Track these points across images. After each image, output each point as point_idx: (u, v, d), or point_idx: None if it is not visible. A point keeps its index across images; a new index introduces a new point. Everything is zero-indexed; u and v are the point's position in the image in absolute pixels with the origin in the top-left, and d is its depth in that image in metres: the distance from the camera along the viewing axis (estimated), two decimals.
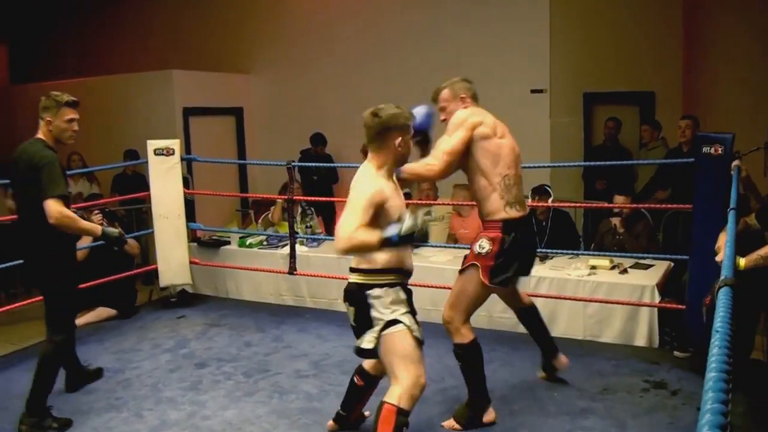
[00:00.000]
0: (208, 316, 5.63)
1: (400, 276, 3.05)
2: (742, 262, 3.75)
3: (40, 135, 3.86)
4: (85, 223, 3.88)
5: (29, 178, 3.69)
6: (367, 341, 3.02)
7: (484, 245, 3.48)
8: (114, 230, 3.97)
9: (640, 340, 4.83)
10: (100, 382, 4.38)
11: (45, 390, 3.78)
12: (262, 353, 4.84)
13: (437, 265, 5.58)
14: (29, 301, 5.66)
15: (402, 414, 2.92)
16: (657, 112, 7.61)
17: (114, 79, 9.37)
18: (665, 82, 7.63)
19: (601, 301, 4.90)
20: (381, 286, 2.98)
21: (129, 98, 9.11)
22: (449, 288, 5.17)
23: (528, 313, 4.04)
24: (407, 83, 8.52)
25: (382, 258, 2.96)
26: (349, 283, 3.11)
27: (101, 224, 5.82)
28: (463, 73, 8.13)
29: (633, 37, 7.67)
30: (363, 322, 3.03)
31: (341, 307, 5.78)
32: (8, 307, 5.70)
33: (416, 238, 2.79)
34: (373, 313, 2.99)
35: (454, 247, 5.84)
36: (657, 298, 4.81)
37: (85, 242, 5.88)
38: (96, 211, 5.94)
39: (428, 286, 5.25)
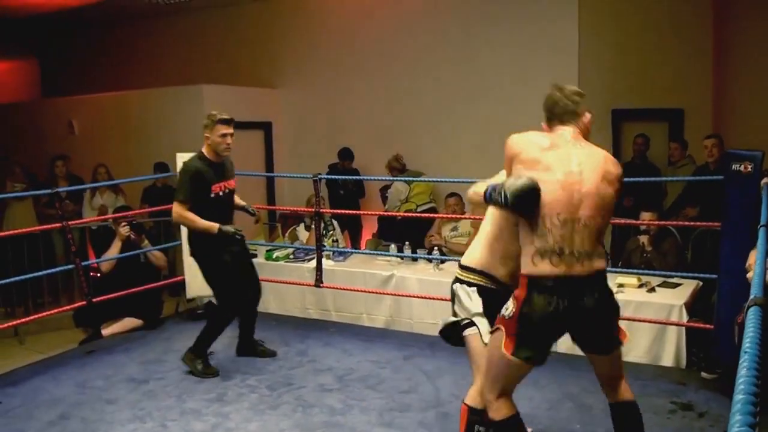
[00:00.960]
0: (233, 329, 5.64)
1: (487, 280, 3.02)
2: None
3: (202, 149, 4.60)
4: (203, 223, 4.45)
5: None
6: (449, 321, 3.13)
7: (508, 305, 2.70)
8: (230, 228, 4.50)
9: (668, 360, 4.76)
10: (124, 392, 4.42)
11: (208, 339, 4.70)
12: (286, 367, 4.85)
13: None
14: (56, 310, 5.76)
15: (473, 413, 3.02)
16: (686, 129, 7.54)
17: (144, 93, 9.49)
18: (694, 99, 7.56)
19: (628, 320, 4.84)
20: (465, 283, 3.06)
21: (159, 112, 9.22)
22: None
23: (621, 411, 3.06)
24: (435, 100, 8.57)
25: (475, 257, 3.05)
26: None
27: (129, 236, 5.92)
28: (490, 92, 8.19)
29: (662, 53, 7.62)
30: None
31: (366, 321, 5.84)
32: (35, 317, 5.78)
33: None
34: (455, 307, 3.10)
35: None
36: (685, 318, 4.75)
37: (112, 253, 5.97)
38: (124, 223, 6.00)
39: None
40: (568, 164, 2.64)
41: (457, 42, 8.42)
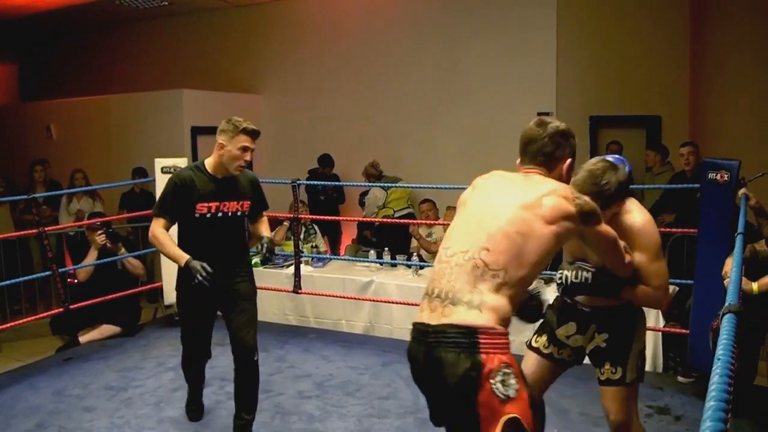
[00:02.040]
0: (212, 336, 5.62)
1: None
2: (755, 286, 3.75)
3: (207, 158, 3.64)
4: (171, 249, 3.50)
5: None
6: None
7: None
8: (197, 266, 3.37)
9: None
10: (102, 400, 4.38)
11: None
12: (265, 373, 4.79)
13: None
14: (33, 317, 5.70)
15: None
16: (663, 137, 7.62)
17: (123, 98, 9.44)
18: (672, 106, 7.65)
19: None
20: None
21: (138, 117, 9.17)
22: None
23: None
24: (416, 107, 8.60)
25: None
26: None
27: (105, 244, 5.85)
28: (470, 99, 8.23)
29: (640, 61, 7.70)
30: None
31: (345, 327, 5.84)
32: (12, 324, 5.71)
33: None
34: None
35: None
36: (661, 323, 4.80)
37: (89, 259, 5.91)
38: (99, 232, 5.90)
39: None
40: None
41: (437, 49, 8.48)
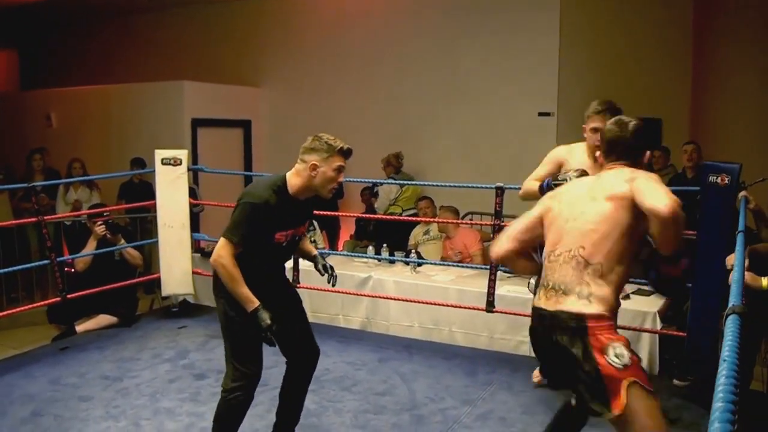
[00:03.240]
0: (209, 327, 5.61)
1: None
2: (764, 282, 3.74)
3: (290, 174, 3.26)
4: (242, 291, 3.10)
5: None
6: None
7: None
8: (267, 318, 3.06)
9: None
10: (98, 390, 4.38)
11: None
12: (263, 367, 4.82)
13: (440, 284, 5.58)
14: (30, 306, 5.70)
15: None
16: (664, 139, 7.63)
17: (124, 88, 9.42)
18: (672, 109, 7.66)
19: None
20: None
21: (138, 107, 9.16)
22: (452, 306, 5.22)
23: None
24: (418, 103, 8.60)
25: None
26: None
27: (105, 235, 5.84)
28: (472, 98, 8.22)
29: (642, 62, 7.71)
30: None
31: (342, 322, 5.83)
32: (8, 312, 5.70)
33: None
34: None
35: (456, 266, 5.90)
36: (659, 325, 4.80)
37: (88, 249, 5.90)
38: (99, 222, 5.89)
39: (431, 304, 5.29)
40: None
41: (440, 47, 8.47)
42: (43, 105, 10.25)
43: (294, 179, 3.21)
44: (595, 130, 3.67)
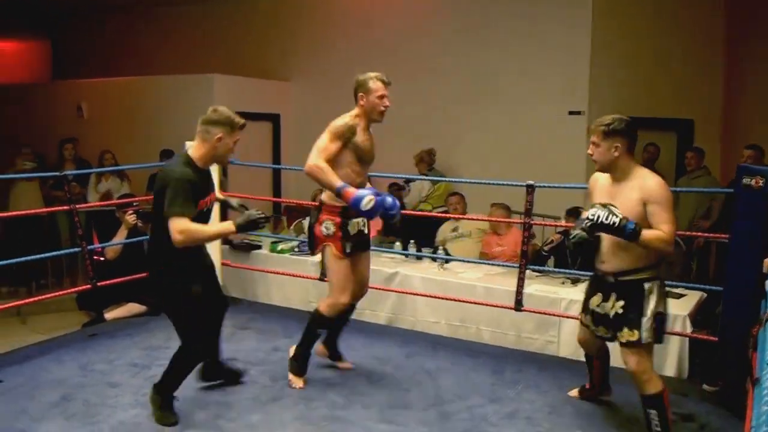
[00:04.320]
0: (236, 319, 5.64)
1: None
2: None
3: (193, 148, 3.65)
4: (214, 228, 3.85)
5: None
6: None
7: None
8: (251, 214, 3.63)
9: (669, 370, 4.76)
10: (126, 377, 4.42)
11: (176, 381, 3.86)
12: (288, 359, 4.84)
13: (468, 282, 5.57)
14: (61, 292, 5.78)
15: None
16: (695, 141, 7.55)
17: (155, 79, 9.49)
18: (705, 110, 7.58)
19: None
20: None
21: (169, 99, 9.22)
22: (480, 303, 5.20)
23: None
24: (447, 99, 8.56)
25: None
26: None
27: (136, 223, 5.92)
28: (502, 96, 8.17)
29: (674, 63, 7.63)
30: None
31: (368, 317, 5.83)
32: (40, 297, 5.78)
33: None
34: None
35: (484, 263, 5.88)
36: (689, 329, 4.75)
37: (118, 238, 5.98)
38: (130, 212, 6.00)
39: (458, 301, 5.28)
40: None
41: (469, 43, 8.43)
42: (75, 95, 10.35)
43: (198, 151, 3.60)
44: None
